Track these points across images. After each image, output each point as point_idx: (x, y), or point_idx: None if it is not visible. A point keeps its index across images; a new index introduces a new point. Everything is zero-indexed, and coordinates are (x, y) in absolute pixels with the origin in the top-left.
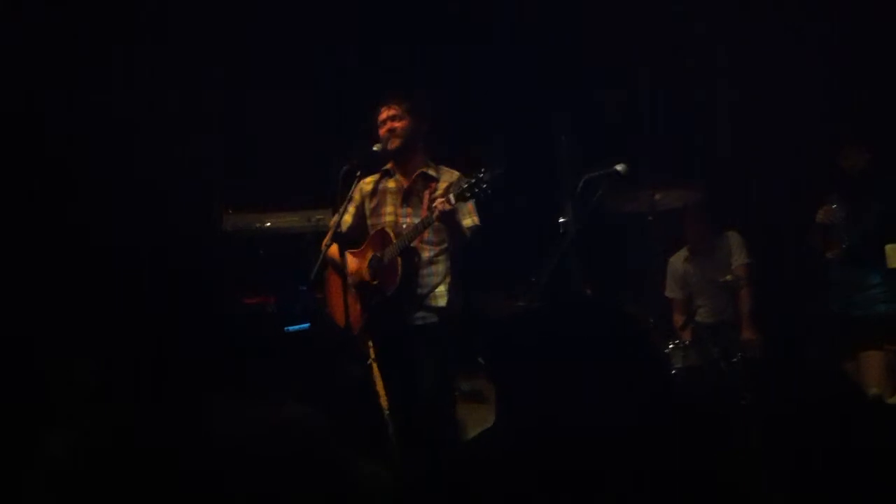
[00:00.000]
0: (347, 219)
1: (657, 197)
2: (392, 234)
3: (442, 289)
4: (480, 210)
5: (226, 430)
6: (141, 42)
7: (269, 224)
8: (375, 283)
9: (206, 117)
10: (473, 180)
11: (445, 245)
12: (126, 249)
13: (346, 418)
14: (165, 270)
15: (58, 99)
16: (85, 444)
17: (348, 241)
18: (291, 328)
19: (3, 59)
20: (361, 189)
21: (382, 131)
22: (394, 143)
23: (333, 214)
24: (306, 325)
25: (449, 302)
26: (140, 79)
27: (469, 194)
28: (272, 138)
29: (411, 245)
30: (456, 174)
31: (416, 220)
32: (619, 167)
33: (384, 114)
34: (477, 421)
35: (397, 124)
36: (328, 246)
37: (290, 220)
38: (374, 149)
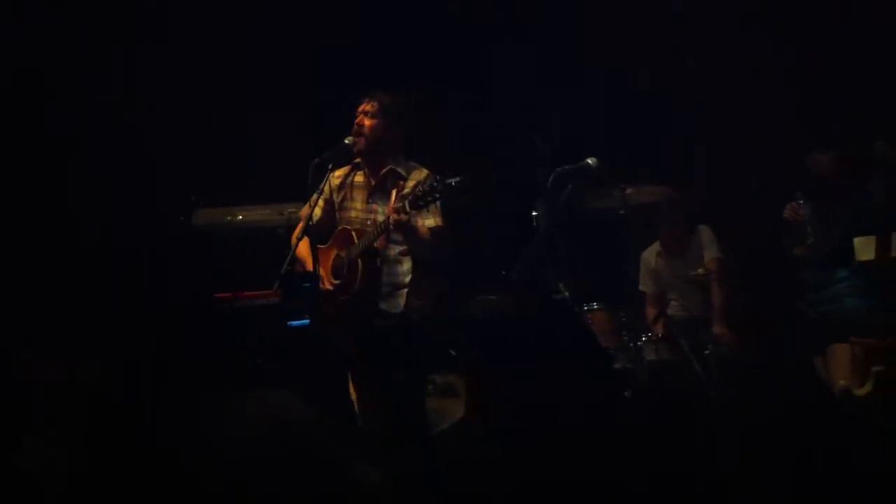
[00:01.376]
0: (317, 212)
1: (629, 192)
2: (355, 235)
3: (405, 287)
4: (446, 210)
5: (224, 429)
6: (140, 42)
7: (240, 217)
8: (338, 282)
9: (179, 112)
10: (429, 187)
11: None
12: (117, 248)
13: (345, 417)
14: (153, 267)
15: (58, 98)
16: (84, 445)
17: (319, 233)
18: (294, 323)
19: (3, 59)
20: (331, 182)
21: (355, 124)
22: (358, 143)
23: (305, 206)
24: (307, 322)
25: (411, 302)
26: (138, 78)
27: (422, 203)
28: (244, 131)
29: (374, 245)
30: (424, 173)
31: (382, 218)
32: (590, 161)
33: (361, 107)
34: (448, 414)
35: (367, 122)
36: (299, 239)
37: (261, 214)
38: (346, 141)
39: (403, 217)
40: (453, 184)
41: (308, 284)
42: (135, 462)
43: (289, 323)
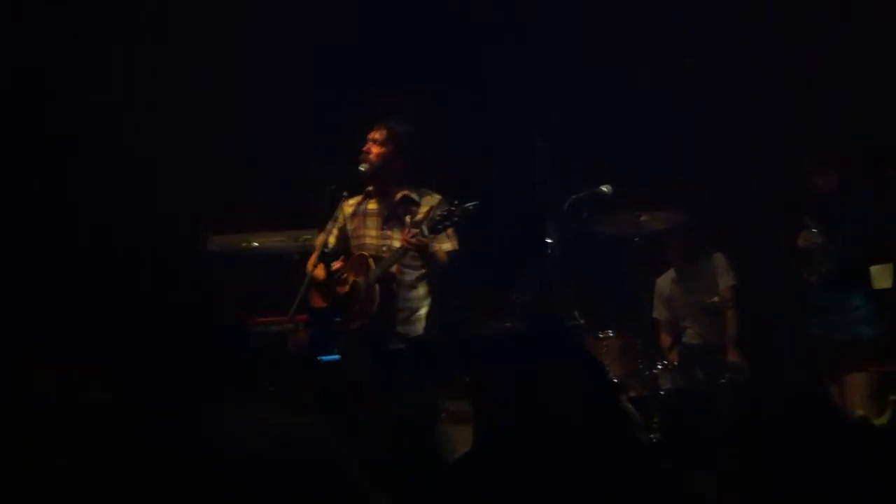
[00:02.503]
0: (331, 239)
1: (643, 218)
2: (371, 261)
3: (421, 312)
4: (462, 233)
5: (231, 437)
6: (141, 46)
7: (255, 244)
8: (356, 307)
9: (194, 138)
10: (446, 213)
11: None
12: (117, 250)
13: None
14: (154, 270)
15: (58, 98)
16: (83, 456)
17: (333, 260)
18: (325, 358)
19: (3, 60)
20: (344, 210)
21: (363, 150)
22: (364, 166)
23: (320, 234)
24: (337, 357)
25: (426, 327)
26: (138, 78)
27: (441, 227)
28: (259, 157)
29: (390, 271)
30: (437, 198)
31: (397, 244)
32: (604, 188)
33: (371, 134)
34: (462, 441)
35: (374, 150)
36: (315, 266)
37: (276, 240)
38: (361, 168)
39: (423, 240)
40: (471, 208)
41: (339, 319)
42: (134, 471)
43: (319, 358)
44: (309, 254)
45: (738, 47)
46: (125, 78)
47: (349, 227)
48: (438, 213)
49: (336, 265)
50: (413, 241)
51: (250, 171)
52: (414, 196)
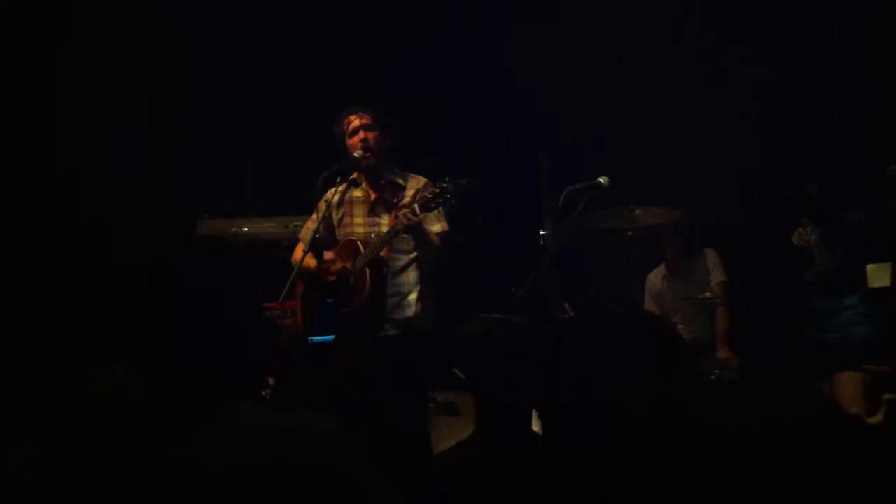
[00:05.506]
0: (319, 228)
1: (637, 213)
2: (361, 245)
3: (412, 298)
4: (451, 216)
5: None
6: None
7: (245, 229)
8: (346, 293)
9: (183, 124)
10: (437, 190)
11: (416, 254)
12: (117, 248)
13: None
14: (167, 275)
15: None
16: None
17: (323, 248)
18: (316, 339)
19: (2, 59)
20: (328, 199)
21: (355, 140)
22: (368, 158)
23: (309, 222)
24: (331, 338)
25: (417, 313)
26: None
27: (433, 204)
28: (249, 143)
29: (380, 255)
30: (423, 181)
31: (385, 230)
32: (601, 179)
33: (356, 122)
34: (451, 433)
35: (370, 135)
36: (304, 255)
37: (266, 226)
38: (356, 155)
39: (414, 219)
40: (464, 183)
41: (331, 300)
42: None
43: (310, 339)
44: (297, 241)
45: (735, 27)
46: (121, 61)
47: (335, 216)
48: (427, 192)
49: (327, 256)
50: (404, 219)
51: (242, 155)
52: (399, 180)
